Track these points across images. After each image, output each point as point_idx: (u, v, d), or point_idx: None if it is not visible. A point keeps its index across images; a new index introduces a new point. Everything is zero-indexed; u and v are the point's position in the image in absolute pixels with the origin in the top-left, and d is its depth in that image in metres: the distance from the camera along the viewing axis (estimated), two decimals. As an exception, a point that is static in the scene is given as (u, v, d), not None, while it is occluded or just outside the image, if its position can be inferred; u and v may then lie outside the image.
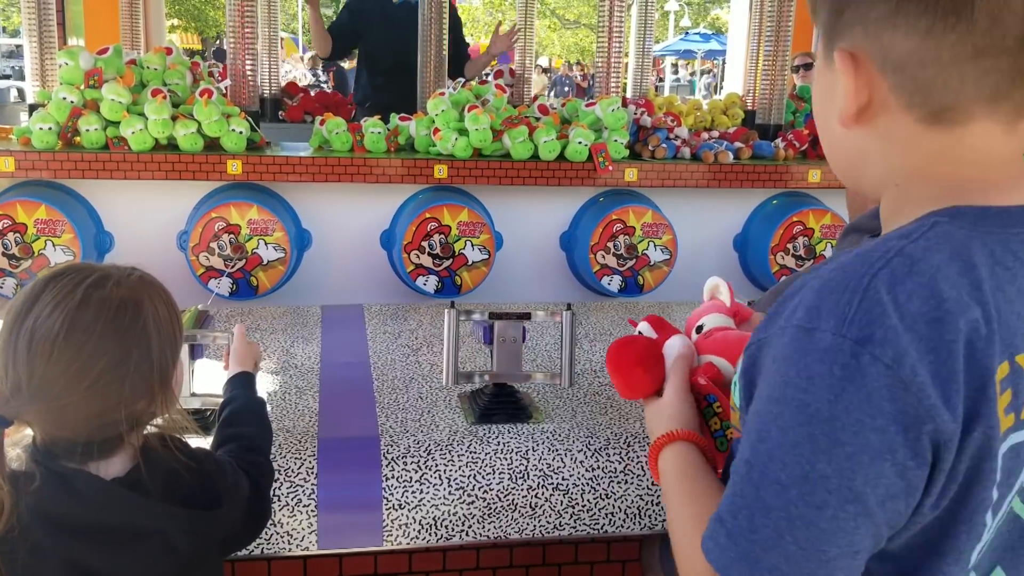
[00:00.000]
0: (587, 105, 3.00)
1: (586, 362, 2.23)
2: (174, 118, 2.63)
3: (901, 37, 0.75)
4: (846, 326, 0.70)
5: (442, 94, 2.89)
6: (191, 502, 1.16)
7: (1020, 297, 0.74)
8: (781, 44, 3.32)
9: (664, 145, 3.00)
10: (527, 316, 1.83)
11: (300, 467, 1.64)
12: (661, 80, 23.47)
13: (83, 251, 2.64)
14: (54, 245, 2.62)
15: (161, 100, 2.59)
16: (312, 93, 4.55)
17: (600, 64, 3.25)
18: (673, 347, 1.28)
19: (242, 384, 1.55)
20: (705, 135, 3.12)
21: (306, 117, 4.29)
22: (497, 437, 1.78)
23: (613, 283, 2.97)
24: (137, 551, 1.11)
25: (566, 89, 18.88)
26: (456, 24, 4.27)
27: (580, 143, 2.83)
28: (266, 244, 2.73)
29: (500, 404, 1.86)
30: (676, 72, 26.09)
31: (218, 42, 29.02)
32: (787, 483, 0.71)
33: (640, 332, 1.38)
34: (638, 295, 3.00)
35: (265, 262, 2.75)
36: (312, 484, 1.62)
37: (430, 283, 2.88)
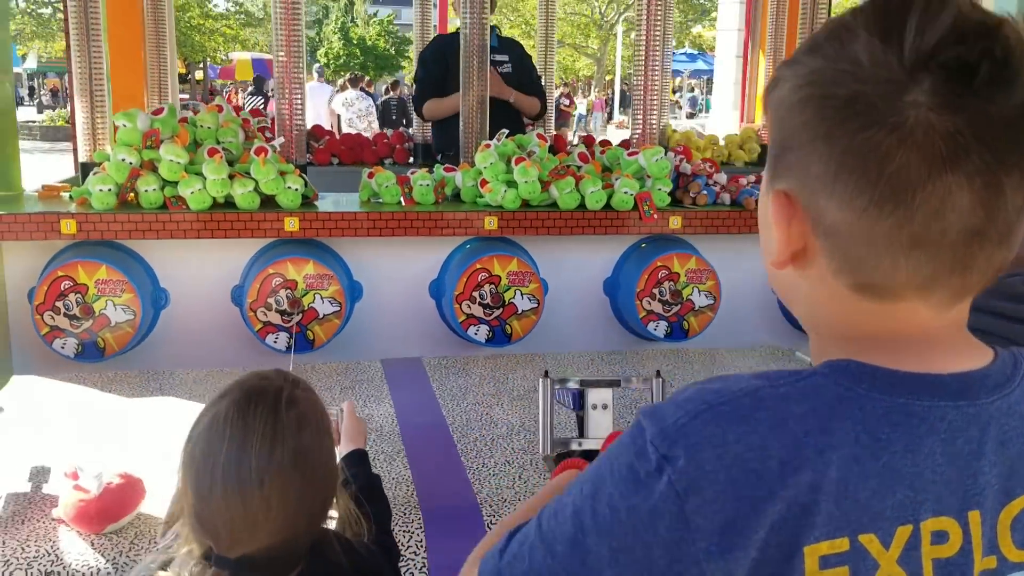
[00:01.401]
0: (629, 154, 3.06)
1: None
2: (231, 176, 2.67)
3: (835, 207, 0.69)
4: (662, 438, 0.69)
5: (488, 146, 2.94)
6: None
7: (885, 472, 0.68)
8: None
9: (704, 192, 3.06)
10: (617, 383, 1.88)
11: (410, 540, 1.68)
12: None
13: (143, 309, 2.66)
14: (115, 305, 2.64)
15: (219, 160, 2.63)
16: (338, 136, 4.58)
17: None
18: None
19: (359, 462, 1.59)
20: (743, 180, 3.18)
21: (332, 159, 4.33)
22: (592, 503, 1.82)
23: (659, 328, 3.03)
24: None
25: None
26: (526, 62, 4.17)
27: (626, 193, 2.89)
28: (322, 298, 2.77)
29: (589, 468, 1.90)
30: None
31: (203, 64, 28.92)
32: (559, 536, 0.74)
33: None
34: (684, 340, 3.05)
35: (321, 316, 2.78)
36: (422, 557, 1.65)
37: (481, 332, 2.92)
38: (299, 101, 2.96)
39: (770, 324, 3.27)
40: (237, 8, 30.78)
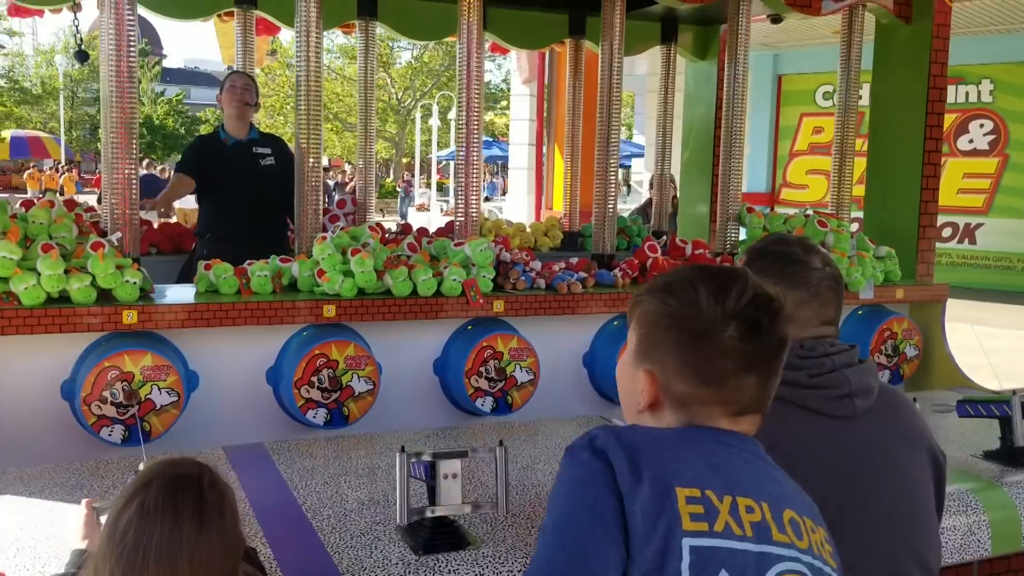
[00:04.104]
0: (456, 244, 3.33)
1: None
2: (66, 271, 2.68)
3: (681, 385, 1.26)
4: (586, 442, 1.22)
5: (324, 239, 3.11)
6: None
7: (702, 462, 1.21)
8: (609, 184, 3.84)
9: (523, 278, 3.37)
10: (465, 454, 2.09)
11: (282, 613, 1.79)
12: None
13: (-33, 408, 2.60)
14: (-63, 404, 2.56)
15: (55, 256, 2.64)
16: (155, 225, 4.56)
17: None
18: None
19: None
20: (555, 267, 3.53)
21: (151, 249, 4.32)
22: (447, 566, 2.00)
23: (486, 404, 3.27)
24: None
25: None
26: (288, 154, 4.46)
27: (455, 280, 3.15)
28: (160, 389, 2.80)
29: (441, 534, 2.09)
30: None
31: None
32: (547, 526, 1.20)
33: None
34: (508, 413, 3.31)
35: (159, 407, 2.81)
36: (295, 628, 1.77)
37: (319, 415, 3.04)
38: (133, 194, 3.02)
39: (582, 394, 3.60)
40: (11, 85, 29.04)
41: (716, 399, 1.25)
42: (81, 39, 3.91)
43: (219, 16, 5.18)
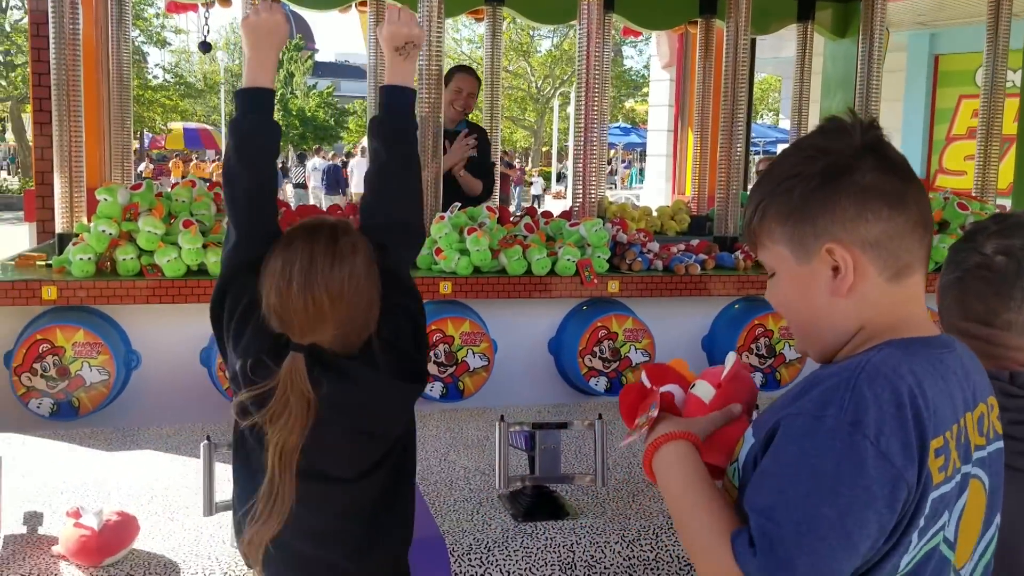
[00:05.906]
0: (571, 225, 3.35)
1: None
2: (205, 246, 2.88)
3: (871, 224, 1.12)
4: (843, 414, 1.02)
5: (442, 218, 3.20)
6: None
7: (940, 394, 1.08)
8: (733, 165, 3.77)
9: (640, 259, 3.36)
10: (565, 426, 2.13)
11: (382, 568, 1.87)
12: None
13: (117, 371, 2.83)
14: (90, 366, 2.80)
15: (194, 231, 2.84)
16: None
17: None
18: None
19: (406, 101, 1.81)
20: (674, 248, 3.50)
21: (289, 229, 4.54)
22: (544, 533, 2.05)
23: (599, 384, 3.29)
24: None
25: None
26: (484, 146, 4.59)
27: (568, 260, 3.18)
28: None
29: (541, 503, 2.14)
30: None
31: (139, 134, 28.91)
32: (800, 521, 1.02)
33: (641, 381, 1.49)
34: (622, 394, 3.31)
35: (286, 375, 2.97)
36: (395, 583, 1.85)
37: (436, 388, 3.14)
38: (266, 176, 3.19)
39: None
40: (176, 79, 30.96)
41: (910, 224, 1.14)
42: (208, 30, 4.17)
43: (358, 7, 5.38)
